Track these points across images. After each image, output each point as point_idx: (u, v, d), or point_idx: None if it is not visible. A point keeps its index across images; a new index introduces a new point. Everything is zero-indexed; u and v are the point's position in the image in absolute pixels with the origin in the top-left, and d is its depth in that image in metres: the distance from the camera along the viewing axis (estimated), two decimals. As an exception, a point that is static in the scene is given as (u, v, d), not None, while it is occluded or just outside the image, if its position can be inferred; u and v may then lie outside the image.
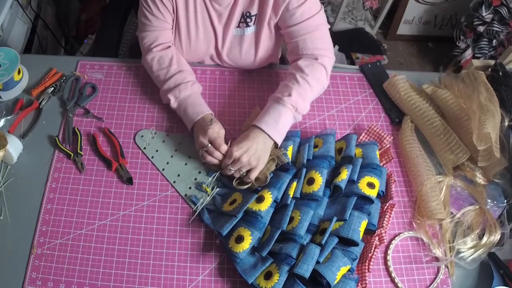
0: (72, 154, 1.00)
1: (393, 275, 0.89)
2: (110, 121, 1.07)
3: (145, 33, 1.05)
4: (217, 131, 0.94)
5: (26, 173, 0.99)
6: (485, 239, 0.92)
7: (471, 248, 0.92)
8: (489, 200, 0.97)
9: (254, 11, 1.01)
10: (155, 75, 1.05)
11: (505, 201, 0.98)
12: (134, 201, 0.96)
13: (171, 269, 0.89)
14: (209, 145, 0.94)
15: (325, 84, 1.02)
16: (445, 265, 0.91)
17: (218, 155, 0.94)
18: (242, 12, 1.01)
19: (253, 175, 0.92)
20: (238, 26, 1.03)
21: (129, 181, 0.97)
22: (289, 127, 0.98)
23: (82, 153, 1.01)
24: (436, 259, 0.92)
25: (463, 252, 0.91)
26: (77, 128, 1.04)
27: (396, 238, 0.94)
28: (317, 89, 1.00)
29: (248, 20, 1.02)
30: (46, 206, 0.94)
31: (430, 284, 0.89)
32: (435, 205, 0.93)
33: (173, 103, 1.02)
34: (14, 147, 0.98)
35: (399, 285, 0.88)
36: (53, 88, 1.10)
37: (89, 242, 0.90)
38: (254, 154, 0.91)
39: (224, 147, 0.94)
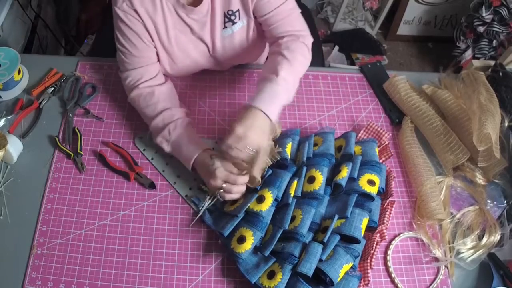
0: (72, 154, 1.00)
1: (393, 275, 0.89)
2: (110, 121, 1.07)
3: (128, 72, 1.01)
4: (224, 168, 0.88)
5: (26, 173, 0.99)
6: (485, 239, 0.92)
7: (471, 248, 0.92)
8: (489, 201, 0.97)
9: (235, 7, 0.98)
10: (142, 112, 1.01)
11: (505, 201, 0.98)
12: (134, 201, 0.96)
13: (171, 269, 0.89)
14: (224, 185, 0.88)
15: (309, 61, 1.01)
16: (445, 266, 0.91)
17: (238, 189, 0.88)
18: (224, 12, 0.99)
19: (258, 166, 0.88)
20: (225, 27, 1.01)
21: (152, 186, 0.97)
22: (282, 105, 0.93)
23: (82, 153, 1.01)
24: (436, 259, 0.92)
25: (463, 252, 0.91)
26: (77, 128, 1.04)
27: (396, 238, 0.94)
28: (304, 65, 0.99)
29: (233, 17, 1.00)
30: (46, 206, 0.94)
31: (430, 285, 0.89)
32: (435, 205, 0.93)
33: (167, 148, 0.96)
34: (14, 147, 0.98)
35: (399, 285, 0.88)
36: (53, 88, 1.10)
37: (89, 242, 0.90)
38: (259, 130, 0.87)
39: (242, 179, 0.88)
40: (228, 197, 0.89)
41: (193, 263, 0.90)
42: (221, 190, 0.88)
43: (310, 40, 1.01)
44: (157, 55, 1.02)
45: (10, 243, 0.90)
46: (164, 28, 0.98)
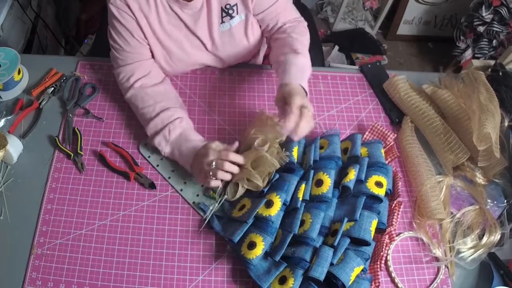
0: (72, 154, 1.00)
1: (393, 275, 0.89)
2: (110, 121, 1.07)
3: (120, 68, 1.01)
4: (216, 145, 0.89)
5: (26, 173, 0.99)
6: (485, 239, 0.92)
7: (471, 248, 0.92)
8: (489, 200, 0.97)
9: (233, 1, 0.98)
10: (139, 114, 0.99)
11: (505, 201, 0.98)
12: (134, 201, 0.96)
13: (171, 269, 0.89)
14: (216, 161, 0.87)
15: (309, 42, 1.08)
16: (445, 265, 0.91)
17: (229, 167, 0.87)
18: (221, 7, 0.98)
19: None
20: (222, 22, 1.00)
21: (152, 186, 0.97)
22: (308, 78, 0.99)
23: (82, 153, 1.01)
24: (436, 259, 0.92)
25: (463, 252, 0.91)
26: (77, 128, 1.04)
27: (396, 238, 0.93)
28: (308, 46, 1.06)
29: (231, 11, 0.99)
30: (46, 206, 0.94)
31: (430, 284, 0.89)
32: (435, 205, 0.93)
33: (165, 148, 0.95)
34: (14, 147, 0.98)
35: (399, 285, 0.88)
36: (53, 88, 1.10)
37: (89, 242, 0.90)
38: (305, 99, 0.90)
39: (235, 155, 0.88)
40: (220, 175, 0.87)
41: (193, 263, 0.90)
42: (213, 167, 0.87)
43: (305, 23, 1.10)
44: (152, 52, 1.02)
45: (10, 243, 0.90)
46: (158, 24, 0.97)
